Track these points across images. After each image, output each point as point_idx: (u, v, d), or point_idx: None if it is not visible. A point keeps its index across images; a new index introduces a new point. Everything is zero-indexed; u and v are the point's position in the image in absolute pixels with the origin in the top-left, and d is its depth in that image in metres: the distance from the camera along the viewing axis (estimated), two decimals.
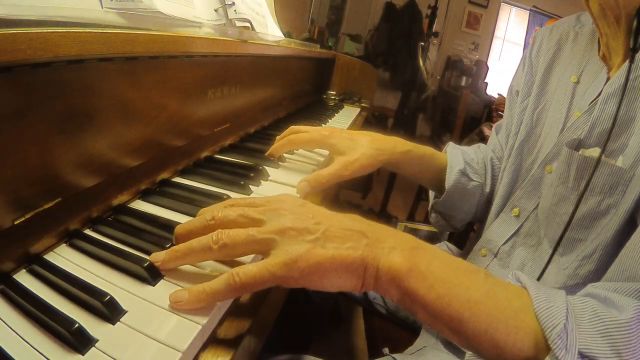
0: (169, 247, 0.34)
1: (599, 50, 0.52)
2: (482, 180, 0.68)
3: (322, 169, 0.56)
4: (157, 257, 0.32)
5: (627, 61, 0.44)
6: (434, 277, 0.31)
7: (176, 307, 0.29)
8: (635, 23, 0.43)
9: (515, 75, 0.69)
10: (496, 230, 0.60)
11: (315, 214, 0.33)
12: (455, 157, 0.67)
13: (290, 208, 0.34)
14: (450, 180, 0.65)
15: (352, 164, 0.56)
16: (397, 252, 0.32)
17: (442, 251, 0.34)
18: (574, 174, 0.47)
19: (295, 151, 0.66)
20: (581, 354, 0.28)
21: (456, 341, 0.32)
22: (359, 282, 0.32)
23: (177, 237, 0.34)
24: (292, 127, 0.61)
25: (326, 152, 0.65)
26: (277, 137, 0.61)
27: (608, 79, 0.49)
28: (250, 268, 0.29)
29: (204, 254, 0.32)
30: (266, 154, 0.60)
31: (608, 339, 0.29)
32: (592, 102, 0.50)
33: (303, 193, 0.52)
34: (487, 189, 0.68)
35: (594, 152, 0.45)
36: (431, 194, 0.74)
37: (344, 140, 0.58)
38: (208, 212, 0.34)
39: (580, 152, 0.47)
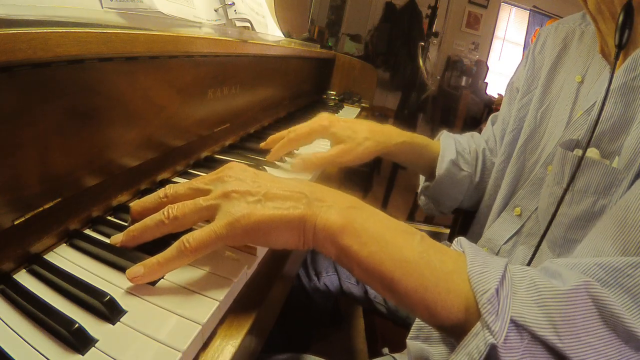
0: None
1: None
2: (472, 170, 0.70)
3: (320, 151, 0.58)
4: (116, 239, 0.34)
5: (627, 60, 0.44)
6: (367, 234, 0.32)
7: (135, 281, 0.30)
8: (621, 18, 0.42)
9: (516, 70, 0.69)
10: (497, 229, 0.60)
11: (258, 178, 0.35)
12: (448, 146, 0.69)
13: (235, 174, 0.35)
14: (441, 169, 0.67)
15: (348, 153, 0.58)
16: (334, 209, 0.33)
17: (383, 213, 0.35)
18: (567, 174, 0.46)
19: (295, 151, 0.66)
20: (513, 322, 0.27)
21: (391, 299, 0.33)
22: (299, 239, 0.33)
23: (133, 214, 0.36)
24: (290, 129, 0.60)
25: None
26: (272, 137, 0.60)
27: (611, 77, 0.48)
28: (198, 232, 0.31)
29: (158, 228, 0.33)
30: (266, 159, 0.59)
31: (543, 308, 0.28)
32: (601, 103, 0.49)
33: (296, 170, 0.56)
34: (477, 179, 0.70)
35: (590, 152, 0.45)
36: (421, 178, 0.76)
37: (344, 130, 0.60)
38: (161, 190, 0.36)
39: (574, 152, 0.47)
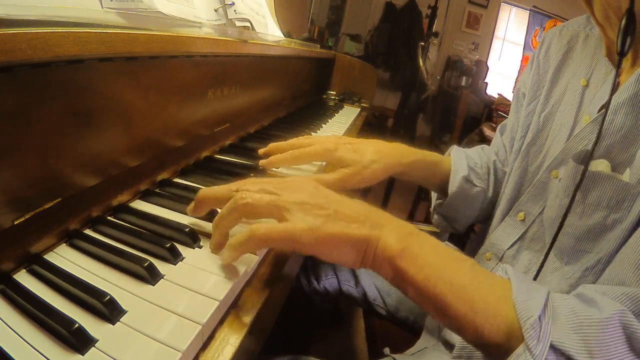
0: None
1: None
2: (485, 186, 0.68)
3: (323, 174, 0.55)
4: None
5: (638, 70, 0.43)
6: (423, 260, 0.34)
7: (225, 262, 0.34)
8: (623, 23, 0.41)
9: (522, 76, 0.68)
10: (501, 234, 0.59)
11: (327, 194, 0.38)
12: (459, 162, 0.67)
13: (305, 187, 0.38)
14: (453, 186, 0.65)
15: (353, 177, 0.56)
16: (394, 234, 0.35)
17: (436, 240, 0.37)
18: (580, 188, 0.45)
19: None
20: (553, 347, 0.29)
21: (441, 321, 0.35)
22: (359, 257, 0.35)
23: (202, 200, 0.39)
24: (295, 140, 0.58)
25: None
26: (273, 145, 0.58)
27: (618, 83, 0.46)
28: (275, 227, 0.33)
29: (230, 214, 0.35)
30: (263, 164, 0.55)
31: (581, 335, 0.29)
32: (601, 108, 0.48)
33: None
34: (490, 194, 0.68)
35: (600, 164, 0.44)
36: (433, 195, 0.73)
37: (350, 153, 0.57)
38: (233, 184, 0.38)
39: (590, 165, 0.45)
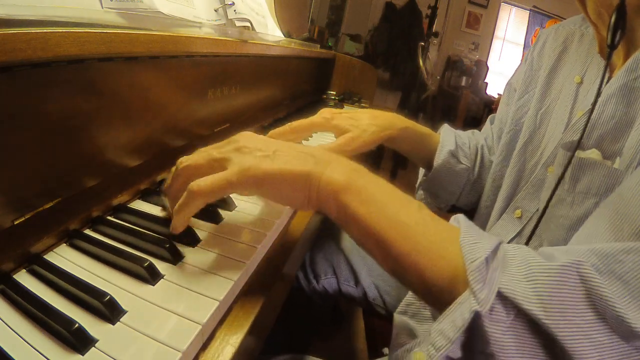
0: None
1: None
2: (471, 165, 0.71)
3: (326, 143, 0.59)
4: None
5: (628, 61, 0.44)
6: (367, 194, 0.33)
7: (175, 231, 0.35)
8: (613, 19, 0.42)
9: (515, 71, 0.69)
10: (499, 231, 0.60)
11: (268, 139, 0.38)
12: (448, 137, 0.70)
13: (247, 136, 0.38)
14: (439, 159, 0.68)
15: (354, 140, 0.58)
16: (339, 169, 0.35)
17: (384, 180, 0.36)
18: (569, 176, 0.46)
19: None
20: (500, 294, 0.27)
21: (383, 262, 0.34)
22: (304, 195, 0.35)
23: (165, 192, 0.40)
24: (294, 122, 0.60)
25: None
26: (272, 132, 0.57)
27: (610, 77, 0.48)
28: (210, 177, 0.33)
29: (175, 180, 0.37)
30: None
31: (532, 283, 0.27)
32: (593, 102, 0.49)
33: None
34: (475, 175, 0.71)
35: (592, 153, 0.45)
36: (420, 172, 0.76)
37: (346, 120, 0.60)
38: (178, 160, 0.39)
39: (576, 154, 0.47)
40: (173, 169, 0.38)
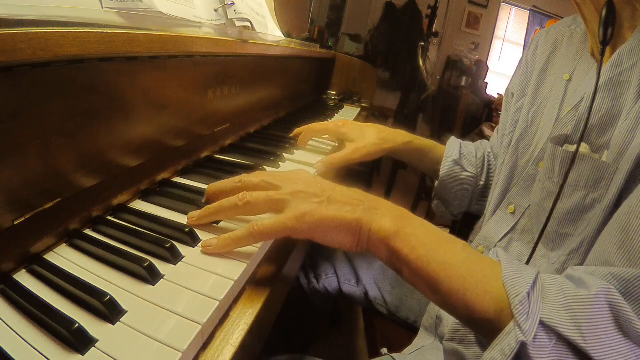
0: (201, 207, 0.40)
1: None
2: (477, 173, 0.74)
3: (335, 153, 0.66)
4: (193, 215, 0.40)
5: (612, 56, 0.44)
6: (416, 240, 0.36)
7: (206, 251, 0.35)
8: (603, 14, 0.43)
9: (512, 78, 0.71)
10: (493, 227, 0.61)
11: (323, 183, 0.40)
12: (453, 148, 0.75)
13: (303, 178, 0.41)
14: (444, 168, 0.73)
15: (360, 150, 0.66)
16: (388, 217, 0.37)
17: (428, 222, 0.39)
18: (558, 169, 0.47)
19: (295, 152, 0.67)
20: (542, 323, 0.30)
21: (435, 300, 0.37)
22: (354, 240, 0.37)
23: (209, 195, 0.42)
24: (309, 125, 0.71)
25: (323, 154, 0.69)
26: (296, 131, 0.72)
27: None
28: (268, 220, 0.36)
29: (231, 210, 0.38)
30: (298, 143, 0.70)
31: (570, 312, 0.30)
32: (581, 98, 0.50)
33: (319, 172, 0.62)
34: (482, 182, 0.74)
35: (580, 147, 0.45)
36: (436, 182, 0.79)
37: (355, 130, 0.69)
38: (237, 177, 0.42)
39: (564, 147, 0.47)
40: (228, 183, 0.41)
